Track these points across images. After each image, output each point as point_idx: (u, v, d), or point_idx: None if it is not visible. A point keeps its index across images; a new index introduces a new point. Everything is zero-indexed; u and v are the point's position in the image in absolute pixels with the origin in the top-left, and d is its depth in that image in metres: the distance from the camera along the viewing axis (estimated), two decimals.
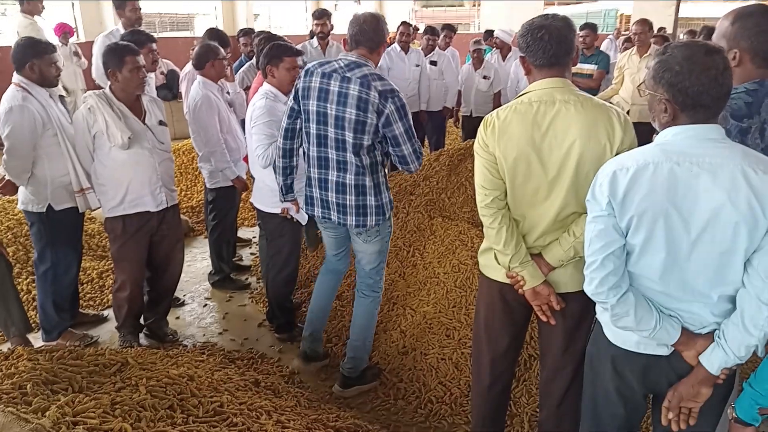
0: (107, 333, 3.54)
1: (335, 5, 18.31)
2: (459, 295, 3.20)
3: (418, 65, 5.86)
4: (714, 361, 1.51)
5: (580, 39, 6.04)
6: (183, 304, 3.93)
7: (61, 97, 3.44)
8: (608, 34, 10.69)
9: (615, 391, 1.73)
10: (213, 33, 4.57)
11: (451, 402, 2.83)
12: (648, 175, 1.46)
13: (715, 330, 1.54)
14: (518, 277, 1.98)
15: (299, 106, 2.64)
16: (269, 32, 4.69)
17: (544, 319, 2.01)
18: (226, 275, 4.12)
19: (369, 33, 2.56)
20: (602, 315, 1.71)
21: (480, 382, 2.28)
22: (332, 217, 2.71)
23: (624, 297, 1.54)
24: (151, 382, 2.06)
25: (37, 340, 3.33)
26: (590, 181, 1.84)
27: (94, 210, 3.28)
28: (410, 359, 3.08)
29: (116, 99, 2.95)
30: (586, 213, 1.88)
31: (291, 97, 2.67)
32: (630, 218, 1.50)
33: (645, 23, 5.41)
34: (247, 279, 4.27)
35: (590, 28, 6.03)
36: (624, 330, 1.62)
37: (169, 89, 7.58)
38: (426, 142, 6.55)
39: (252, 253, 4.75)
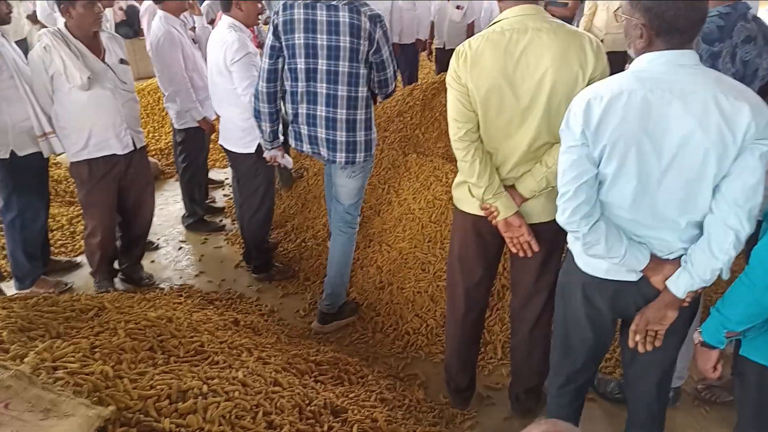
0: (81, 279, 3.51)
1: None
2: (434, 229, 3.23)
3: None
4: (680, 284, 1.55)
5: None
6: (157, 247, 3.90)
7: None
8: None
9: (585, 317, 1.79)
10: None
11: (427, 333, 2.91)
12: (621, 104, 1.45)
13: (682, 255, 1.58)
14: (492, 208, 1.99)
15: (280, 43, 2.53)
16: None
17: (514, 251, 2.05)
18: (199, 217, 4.09)
19: None
20: (574, 244, 1.74)
21: (455, 311, 2.34)
22: (322, 152, 2.67)
23: (595, 226, 1.56)
24: (130, 325, 2.06)
25: (10, 288, 3.29)
26: (563, 111, 1.83)
27: (59, 155, 3.18)
28: (387, 294, 3.14)
29: (72, 37, 2.80)
30: (559, 143, 1.90)
31: (270, 33, 2.54)
32: (603, 147, 1.50)
33: None
34: (221, 221, 4.25)
35: None
36: (594, 258, 1.65)
37: (130, 26, 7.25)
38: (399, 76, 6.43)
39: (225, 195, 4.70)
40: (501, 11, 1.91)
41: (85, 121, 2.87)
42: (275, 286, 3.43)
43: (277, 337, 2.65)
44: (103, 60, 2.89)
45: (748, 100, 1.40)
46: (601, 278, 1.69)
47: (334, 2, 2.42)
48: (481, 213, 2.05)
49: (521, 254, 2.04)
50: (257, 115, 2.73)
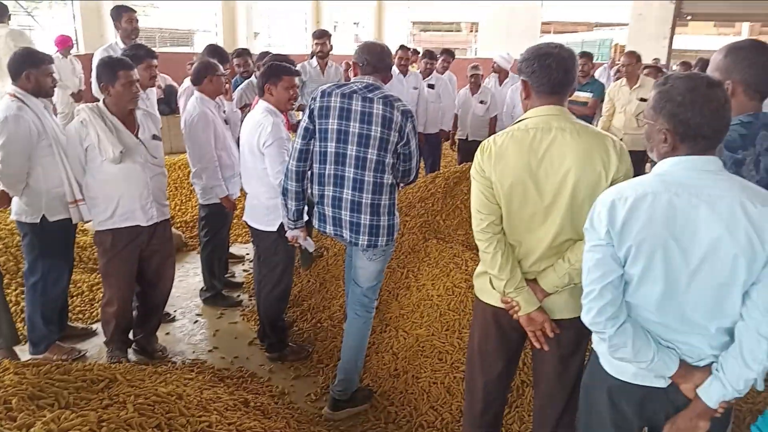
0: (95, 347, 3.49)
1: (334, 25, 18.54)
2: (452, 318, 3.19)
3: (416, 88, 5.91)
4: (713, 394, 1.51)
5: (578, 67, 6.13)
6: (173, 319, 3.89)
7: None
8: (603, 63, 10.85)
9: (611, 423, 1.71)
10: (212, 49, 4.59)
11: (442, 427, 2.80)
12: (646, 205, 1.47)
13: (713, 362, 1.54)
14: (513, 302, 1.98)
15: (314, 126, 2.65)
16: (273, 53, 4.75)
17: (537, 345, 2.00)
18: (217, 292, 4.09)
19: (385, 61, 2.69)
20: (599, 345, 1.70)
21: (472, 406, 2.26)
22: (344, 234, 2.71)
23: (622, 327, 1.54)
24: (139, 400, 2.03)
25: (24, 353, 3.28)
26: (586, 209, 1.85)
27: (87, 222, 3.26)
28: (402, 382, 3.05)
29: (109, 112, 2.95)
30: (582, 240, 1.90)
31: (305, 116, 2.68)
32: (628, 248, 1.50)
33: (633, 56, 5.52)
34: (239, 296, 4.24)
35: (587, 56, 6.12)
36: (621, 361, 1.61)
37: (167, 104, 7.61)
38: (422, 164, 6.58)
39: (245, 270, 4.72)
40: (525, 110, 1.98)
41: (113, 192, 2.97)
42: (288, 366, 3.36)
43: (287, 422, 2.57)
44: (136, 135, 3.02)
45: None
46: (628, 382, 1.64)
47: (370, 95, 2.55)
48: (503, 305, 2.03)
49: (546, 348, 2.00)
50: (285, 192, 2.80)
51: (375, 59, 2.64)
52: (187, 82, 4.42)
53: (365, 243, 2.67)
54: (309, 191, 2.85)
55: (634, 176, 1.68)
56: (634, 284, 1.54)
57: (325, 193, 2.70)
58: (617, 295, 1.55)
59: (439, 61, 6.41)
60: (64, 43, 7.78)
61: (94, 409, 1.93)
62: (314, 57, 5.49)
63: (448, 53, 6.57)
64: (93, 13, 10.06)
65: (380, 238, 2.68)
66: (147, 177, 3.05)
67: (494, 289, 2.03)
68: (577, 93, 5.99)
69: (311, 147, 2.69)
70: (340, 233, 2.73)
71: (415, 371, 3.06)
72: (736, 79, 1.82)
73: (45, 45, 7.90)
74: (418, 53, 7.15)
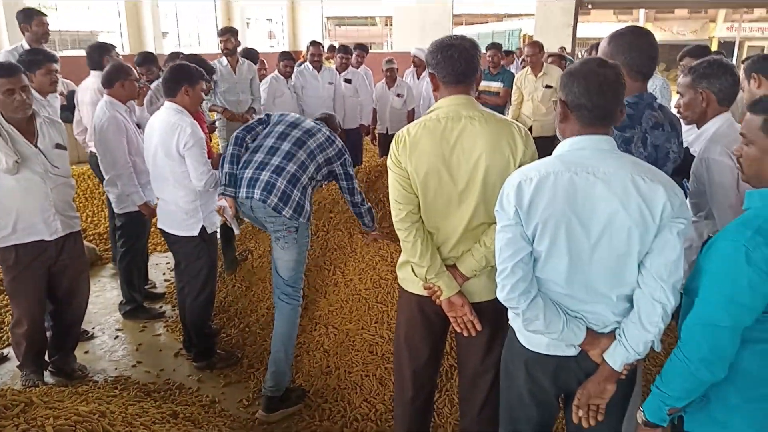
0: (8, 373, 3.28)
1: (247, 23, 18.13)
2: (381, 310, 3.23)
3: (331, 83, 5.90)
4: (617, 357, 1.62)
5: (488, 58, 6.34)
6: (92, 337, 3.71)
7: None
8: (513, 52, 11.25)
9: (528, 394, 1.80)
10: (146, 57, 4.64)
11: (376, 418, 2.84)
12: (549, 185, 1.56)
13: (616, 329, 1.64)
14: (435, 287, 2.03)
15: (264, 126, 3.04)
16: (184, 53, 4.65)
17: (458, 330, 2.07)
18: (138, 304, 3.93)
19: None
20: (514, 321, 1.78)
21: (403, 395, 2.30)
22: (255, 194, 2.78)
23: (534, 302, 1.62)
24: (59, 422, 1.94)
25: None
26: (497, 192, 1.93)
27: None
28: (334, 378, 3.06)
29: (5, 120, 2.76)
30: (494, 223, 1.99)
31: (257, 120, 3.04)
32: (535, 226, 1.59)
33: (536, 45, 5.80)
34: (161, 307, 4.10)
35: (496, 47, 6.34)
36: (535, 333, 1.69)
37: (71, 110, 7.18)
38: None
39: (166, 280, 4.57)
40: (436, 99, 2.04)
41: (11, 205, 2.80)
42: (217, 374, 3.29)
43: (218, 430, 2.52)
44: (35, 144, 2.84)
45: (662, 182, 1.54)
46: (542, 354, 1.73)
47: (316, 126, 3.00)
48: (425, 293, 2.08)
49: (465, 333, 2.07)
50: (223, 158, 2.94)
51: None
52: (87, 82, 4.19)
53: (272, 204, 2.77)
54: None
55: None
56: (542, 260, 1.63)
57: (255, 158, 2.86)
58: (528, 271, 1.63)
59: (354, 55, 6.43)
60: None
61: None
62: (224, 56, 5.36)
63: (362, 48, 6.61)
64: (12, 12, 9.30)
65: (287, 209, 2.79)
66: (47, 188, 2.87)
67: (416, 276, 2.07)
68: (488, 83, 6.20)
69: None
70: (252, 194, 2.80)
71: (346, 366, 3.07)
72: (620, 63, 1.95)
73: None
74: (334, 48, 7.13)
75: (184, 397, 3.04)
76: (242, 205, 2.88)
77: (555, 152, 1.66)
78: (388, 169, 2.05)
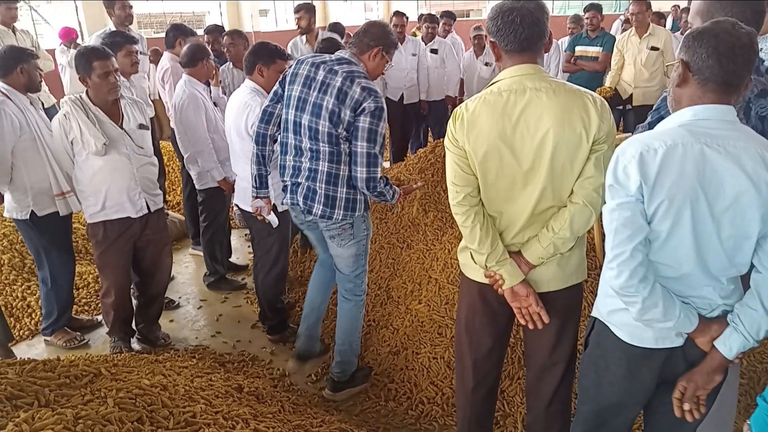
0: (100, 338, 3.52)
1: None
2: (452, 291, 3.10)
3: (414, 54, 5.73)
4: (733, 345, 1.48)
5: (586, 20, 5.87)
6: (178, 306, 3.89)
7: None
8: (619, 14, 10.40)
9: (627, 392, 1.67)
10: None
11: (442, 402, 2.75)
12: (678, 157, 1.40)
13: (724, 312, 1.52)
14: (496, 276, 1.88)
15: (283, 91, 2.59)
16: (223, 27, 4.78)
17: (523, 322, 1.91)
18: (221, 276, 4.07)
19: (360, 35, 2.54)
20: (614, 315, 1.62)
21: (464, 384, 2.19)
22: (298, 201, 2.60)
23: (653, 288, 1.47)
24: (120, 394, 2.00)
25: (19, 349, 3.32)
26: (567, 173, 1.76)
27: (78, 212, 3.27)
28: (402, 359, 3.00)
29: (92, 104, 2.89)
30: (564, 206, 1.79)
31: (278, 81, 2.64)
32: (660, 203, 1.42)
33: (642, 3, 5.18)
34: (243, 279, 4.22)
35: (595, 8, 5.83)
36: (648, 323, 1.53)
37: None
38: (430, 133, 6.44)
39: (250, 253, 4.69)
40: (500, 71, 1.85)
41: (101, 184, 2.93)
42: (290, 348, 3.33)
43: (281, 406, 2.54)
44: (120, 126, 2.96)
45: None
46: (649, 348, 1.58)
47: (336, 67, 2.45)
48: (487, 280, 1.93)
49: (531, 326, 1.90)
50: (252, 158, 2.77)
51: (355, 33, 2.57)
52: (164, 61, 4.34)
53: (319, 212, 2.56)
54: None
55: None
56: (661, 241, 1.47)
57: (287, 163, 2.64)
58: (646, 255, 1.47)
59: (441, 24, 6.20)
60: (68, 35, 7.75)
61: (73, 405, 1.91)
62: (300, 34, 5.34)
63: (449, 15, 6.37)
64: (95, 3, 10.01)
65: (336, 211, 2.56)
66: (134, 168, 3.00)
67: (476, 263, 1.93)
68: (585, 48, 5.75)
69: (277, 110, 2.64)
70: (296, 201, 2.62)
71: (414, 347, 3.00)
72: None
73: (50, 39, 7.88)
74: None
75: (255, 369, 3.11)
76: (293, 213, 2.75)
77: (674, 121, 1.49)
78: (445, 149, 1.90)
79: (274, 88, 2.64)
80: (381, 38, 2.53)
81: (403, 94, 5.81)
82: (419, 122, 6.24)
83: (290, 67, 2.59)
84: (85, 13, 10.04)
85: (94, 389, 2.05)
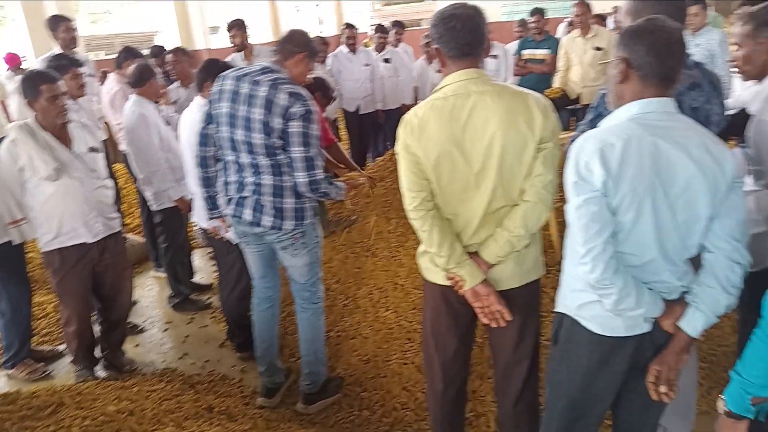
0: (64, 368, 3.43)
1: (297, 8, 18.16)
2: (418, 296, 3.14)
3: (367, 64, 5.79)
4: (696, 324, 1.54)
5: (531, 24, 6.02)
6: (142, 330, 3.82)
7: None
8: (564, 17, 10.69)
9: (602, 382, 1.70)
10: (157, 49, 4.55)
11: (416, 407, 2.77)
12: (634, 150, 1.46)
13: (681, 294, 1.58)
14: (457, 278, 1.92)
15: (213, 110, 2.59)
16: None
17: (485, 322, 1.95)
18: (185, 297, 4.01)
19: (282, 42, 2.55)
20: (584, 309, 1.66)
21: (434, 387, 2.21)
22: (245, 215, 2.58)
23: (626, 278, 1.52)
24: (86, 422, 1.98)
25: None
26: (516, 172, 1.81)
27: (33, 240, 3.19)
28: (373, 367, 3.02)
29: (41, 129, 2.83)
30: (516, 205, 1.85)
31: (198, 102, 2.62)
32: (623, 195, 1.48)
33: (584, 5, 5.37)
34: (208, 298, 4.16)
35: (540, 12, 5.99)
36: (621, 313, 1.57)
37: None
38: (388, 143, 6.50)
39: (215, 271, 4.64)
40: (444, 77, 1.90)
41: (53, 211, 2.87)
42: None
43: (254, 423, 2.53)
44: (71, 150, 2.90)
45: (723, 144, 1.52)
46: (621, 336, 1.62)
47: (258, 78, 2.46)
48: (448, 282, 1.97)
49: (493, 324, 1.95)
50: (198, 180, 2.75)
51: (278, 41, 2.59)
52: (111, 84, 4.30)
53: (269, 224, 2.55)
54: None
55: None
56: (626, 232, 1.52)
57: (230, 179, 2.63)
58: (614, 247, 1.52)
59: (391, 33, 6.28)
60: (13, 61, 7.54)
61: None
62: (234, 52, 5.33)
63: (399, 25, 6.44)
64: (41, 26, 9.77)
65: (286, 222, 2.55)
66: (87, 192, 2.93)
67: (437, 266, 1.97)
68: (533, 51, 5.90)
69: (211, 132, 2.63)
70: (240, 213, 2.60)
71: (385, 354, 3.02)
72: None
73: None
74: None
75: (226, 387, 3.07)
76: (236, 224, 2.70)
77: (623, 115, 1.55)
78: (398, 156, 1.94)
79: (204, 109, 2.64)
80: (304, 45, 2.56)
81: (359, 105, 5.86)
82: (377, 132, 6.29)
83: (215, 85, 2.59)
84: (30, 36, 9.77)
85: (58, 419, 2.01)
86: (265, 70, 2.49)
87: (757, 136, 1.97)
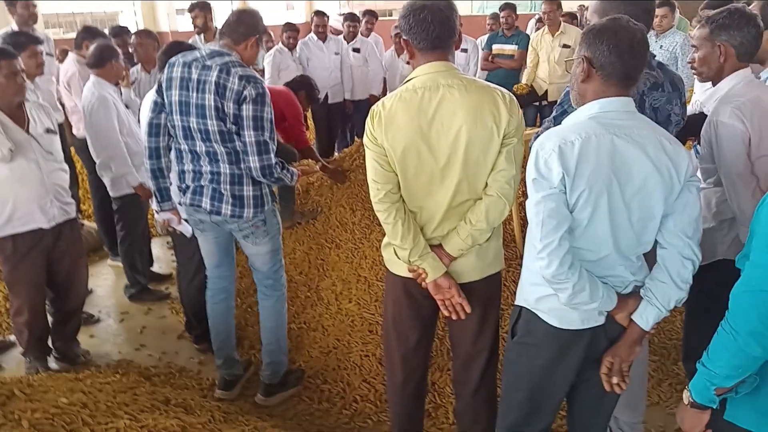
0: (13, 359, 3.31)
1: None
2: (381, 288, 3.14)
3: (337, 53, 5.74)
4: (649, 317, 1.60)
5: (502, 19, 6.05)
6: (98, 321, 3.71)
7: None
8: (534, 14, 10.80)
9: (559, 374, 1.73)
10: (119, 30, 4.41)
11: (375, 399, 2.78)
12: (593, 148, 1.49)
13: (635, 288, 1.64)
14: (419, 270, 1.91)
15: (163, 99, 2.50)
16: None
17: (446, 314, 1.96)
18: (143, 287, 3.92)
19: (232, 25, 2.46)
20: (543, 302, 1.68)
21: (393, 379, 2.22)
22: (203, 204, 2.53)
23: (580, 273, 1.55)
24: (36, 415, 1.90)
25: None
26: (481, 166, 1.81)
27: None
28: (333, 359, 3.00)
29: None
30: (480, 199, 1.85)
31: (155, 90, 2.52)
32: (581, 192, 1.50)
33: (553, 3, 5.42)
34: (167, 288, 4.08)
35: (510, 8, 6.02)
36: (576, 307, 1.60)
37: None
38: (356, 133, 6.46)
39: (174, 261, 4.54)
40: (413, 69, 1.89)
41: (7, 194, 2.75)
42: None
43: (212, 416, 2.47)
44: (27, 130, 2.79)
45: (679, 143, 1.55)
46: (577, 329, 1.65)
47: (209, 62, 2.38)
48: (410, 275, 1.96)
49: (454, 317, 1.95)
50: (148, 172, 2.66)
51: (224, 23, 2.49)
52: (69, 64, 4.14)
53: (228, 212, 2.51)
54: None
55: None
56: (582, 228, 1.55)
57: (185, 168, 2.56)
58: (570, 243, 1.55)
59: (363, 23, 6.23)
60: None
61: None
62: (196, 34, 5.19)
63: (371, 14, 6.40)
64: None
65: (246, 210, 2.52)
66: (43, 174, 2.82)
67: (400, 259, 1.96)
68: (502, 46, 5.94)
69: (162, 120, 2.54)
70: (198, 202, 2.55)
71: (345, 346, 3.01)
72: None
73: None
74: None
75: (183, 380, 3.02)
76: (194, 212, 2.63)
77: (584, 114, 1.58)
78: (365, 147, 1.92)
79: (153, 98, 2.55)
80: (256, 27, 2.49)
81: (327, 94, 5.80)
82: (345, 122, 6.24)
83: (164, 72, 2.50)
84: None
85: (6, 412, 1.93)
86: (213, 54, 2.41)
87: (708, 136, 2.03)
